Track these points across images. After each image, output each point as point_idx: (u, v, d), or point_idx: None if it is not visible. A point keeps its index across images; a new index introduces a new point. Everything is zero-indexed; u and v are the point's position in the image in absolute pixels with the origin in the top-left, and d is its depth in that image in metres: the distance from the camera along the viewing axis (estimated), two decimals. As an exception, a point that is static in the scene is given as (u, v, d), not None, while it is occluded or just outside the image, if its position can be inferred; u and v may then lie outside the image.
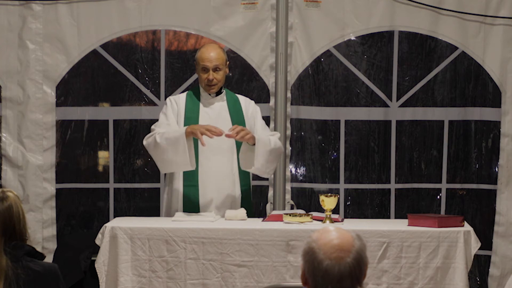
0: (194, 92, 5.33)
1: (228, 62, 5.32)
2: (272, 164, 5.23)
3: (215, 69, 5.20)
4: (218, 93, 5.30)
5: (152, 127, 5.24)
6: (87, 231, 6.09)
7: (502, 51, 5.95)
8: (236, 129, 5.03)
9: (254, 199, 6.22)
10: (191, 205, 5.18)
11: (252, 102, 5.42)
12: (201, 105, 5.28)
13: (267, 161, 5.14)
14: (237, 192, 5.25)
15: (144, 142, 5.20)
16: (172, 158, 5.06)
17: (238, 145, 5.20)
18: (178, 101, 5.29)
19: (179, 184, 5.23)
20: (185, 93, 5.36)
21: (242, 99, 5.40)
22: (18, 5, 5.85)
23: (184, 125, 5.18)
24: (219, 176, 5.21)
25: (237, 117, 5.28)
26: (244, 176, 5.27)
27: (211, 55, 5.20)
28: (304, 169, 6.19)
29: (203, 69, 5.21)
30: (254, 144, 5.09)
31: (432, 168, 6.18)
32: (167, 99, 5.33)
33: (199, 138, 4.98)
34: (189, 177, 5.19)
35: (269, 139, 5.18)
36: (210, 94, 5.28)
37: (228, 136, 5.02)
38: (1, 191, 3.52)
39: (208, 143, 5.04)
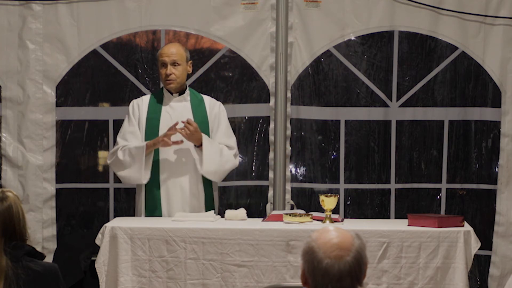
0: (158, 93, 5.39)
1: (190, 61, 5.39)
2: (226, 170, 5.31)
3: (173, 64, 5.27)
4: (181, 93, 5.33)
5: (117, 139, 5.34)
6: (87, 231, 6.08)
7: (502, 51, 5.95)
8: (188, 126, 5.11)
9: (254, 199, 6.21)
10: (154, 208, 5.22)
11: (219, 103, 5.44)
12: (163, 105, 5.31)
13: (216, 170, 5.24)
14: (201, 194, 5.27)
15: (108, 161, 5.34)
16: (129, 172, 5.20)
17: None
18: (140, 103, 5.34)
19: (142, 186, 5.30)
20: (149, 95, 5.42)
21: (208, 99, 5.42)
22: (18, 5, 5.85)
23: (146, 126, 5.27)
24: (182, 179, 5.23)
25: (200, 117, 5.31)
26: (207, 178, 5.30)
27: (170, 51, 5.30)
28: (304, 169, 6.18)
29: (162, 64, 5.29)
30: (198, 146, 5.20)
31: (432, 168, 6.18)
32: (130, 102, 5.39)
33: (164, 143, 5.10)
34: (152, 178, 5.24)
35: (218, 146, 5.25)
36: (172, 94, 5.32)
37: (179, 130, 5.13)
38: (1, 191, 3.52)
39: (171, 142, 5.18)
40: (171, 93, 5.33)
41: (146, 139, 5.26)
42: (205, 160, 5.17)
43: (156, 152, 5.24)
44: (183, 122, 5.15)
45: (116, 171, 5.31)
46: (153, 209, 5.23)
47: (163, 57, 5.28)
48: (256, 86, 6.06)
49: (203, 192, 5.28)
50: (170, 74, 5.26)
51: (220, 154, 5.24)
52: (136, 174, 5.20)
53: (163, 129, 5.26)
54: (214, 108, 5.39)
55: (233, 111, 6.06)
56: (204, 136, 5.18)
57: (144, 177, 5.20)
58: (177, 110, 5.32)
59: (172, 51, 5.29)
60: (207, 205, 5.28)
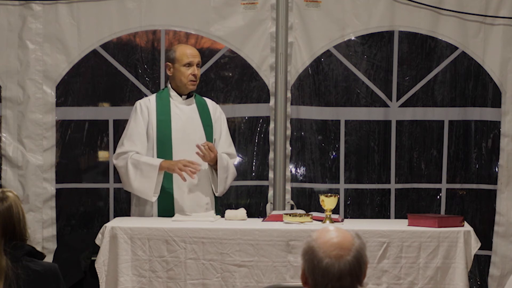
0: (164, 94, 5.34)
1: None
2: (228, 186, 5.35)
3: (197, 65, 5.28)
4: (189, 95, 5.32)
5: (122, 138, 5.26)
6: (87, 231, 6.08)
7: (502, 51, 5.95)
8: (206, 148, 5.11)
9: (254, 199, 6.21)
10: (166, 209, 5.20)
11: (219, 107, 5.46)
12: (172, 107, 5.28)
13: (224, 187, 5.28)
14: (212, 194, 5.28)
15: (115, 162, 5.25)
16: (138, 187, 5.15)
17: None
18: (148, 104, 5.29)
19: None
20: (154, 95, 5.37)
21: (210, 102, 5.42)
22: (18, 5, 5.85)
23: (157, 129, 5.22)
24: (194, 179, 5.22)
25: (206, 121, 5.32)
26: None
27: (194, 51, 5.30)
28: (304, 169, 6.18)
29: (187, 64, 5.24)
30: (213, 164, 5.20)
31: (432, 168, 6.18)
32: (136, 103, 5.32)
33: (179, 174, 5.07)
34: (164, 179, 5.20)
35: (226, 163, 5.24)
36: (181, 96, 5.30)
37: (197, 153, 5.12)
38: (1, 191, 3.52)
39: (182, 148, 5.17)
40: (180, 95, 5.31)
41: (158, 143, 5.21)
42: (219, 184, 5.21)
43: (170, 154, 5.21)
44: (202, 145, 5.12)
45: (123, 180, 5.26)
46: (166, 212, 5.20)
47: (189, 58, 5.24)
48: (256, 86, 6.06)
49: (213, 194, 5.29)
50: (196, 75, 5.26)
51: (228, 171, 5.26)
52: (146, 191, 5.15)
53: (175, 132, 5.22)
54: (216, 112, 5.39)
55: (233, 111, 6.06)
56: (219, 159, 5.18)
57: (153, 197, 5.17)
58: (186, 113, 5.30)
59: (195, 52, 5.29)
60: (218, 206, 5.30)
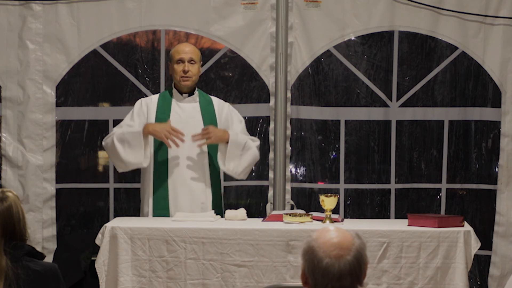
0: (167, 93, 5.36)
1: (201, 62, 5.38)
2: (246, 166, 5.28)
3: (190, 61, 5.26)
4: (191, 94, 5.31)
5: (114, 128, 5.31)
6: (87, 231, 6.09)
7: (502, 51, 5.95)
8: (207, 131, 5.11)
9: (253, 199, 6.21)
10: (161, 208, 5.20)
11: (227, 104, 5.44)
12: (172, 105, 5.29)
13: (239, 162, 5.22)
14: (208, 194, 5.26)
15: (103, 144, 5.29)
16: (128, 158, 5.15)
17: (210, 145, 5.24)
18: (149, 102, 5.32)
19: (149, 185, 5.26)
20: (157, 95, 5.39)
21: (216, 100, 5.41)
22: (18, 5, 5.85)
23: None
24: (190, 178, 5.20)
25: (209, 119, 5.30)
26: (215, 178, 5.29)
27: (187, 48, 5.30)
28: (304, 169, 6.18)
29: (178, 61, 5.26)
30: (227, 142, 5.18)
31: (432, 168, 6.18)
32: (138, 100, 5.36)
33: (164, 141, 5.07)
34: (159, 177, 5.19)
35: (243, 141, 5.22)
36: (182, 94, 5.30)
37: (195, 139, 5.11)
38: (1, 191, 3.52)
39: (180, 146, 5.16)
40: (181, 93, 5.32)
41: (155, 140, 5.22)
42: (227, 159, 5.19)
43: (165, 152, 5.21)
44: (198, 134, 5.13)
45: (113, 160, 5.27)
46: (161, 210, 5.20)
47: (181, 54, 5.26)
48: (256, 86, 6.06)
49: (211, 194, 5.27)
50: (188, 71, 5.25)
51: (243, 149, 5.22)
52: (136, 160, 5.15)
53: None
54: (223, 109, 5.38)
55: (233, 111, 6.07)
56: (231, 134, 5.18)
57: (145, 162, 5.16)
58: (186, 111, 5.30)
59: (189, 49, 5.30)
60: (215, 206, 5.28)
